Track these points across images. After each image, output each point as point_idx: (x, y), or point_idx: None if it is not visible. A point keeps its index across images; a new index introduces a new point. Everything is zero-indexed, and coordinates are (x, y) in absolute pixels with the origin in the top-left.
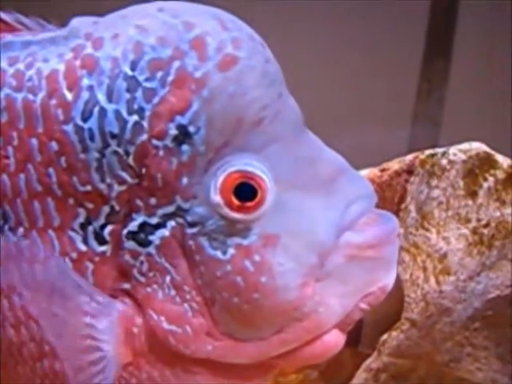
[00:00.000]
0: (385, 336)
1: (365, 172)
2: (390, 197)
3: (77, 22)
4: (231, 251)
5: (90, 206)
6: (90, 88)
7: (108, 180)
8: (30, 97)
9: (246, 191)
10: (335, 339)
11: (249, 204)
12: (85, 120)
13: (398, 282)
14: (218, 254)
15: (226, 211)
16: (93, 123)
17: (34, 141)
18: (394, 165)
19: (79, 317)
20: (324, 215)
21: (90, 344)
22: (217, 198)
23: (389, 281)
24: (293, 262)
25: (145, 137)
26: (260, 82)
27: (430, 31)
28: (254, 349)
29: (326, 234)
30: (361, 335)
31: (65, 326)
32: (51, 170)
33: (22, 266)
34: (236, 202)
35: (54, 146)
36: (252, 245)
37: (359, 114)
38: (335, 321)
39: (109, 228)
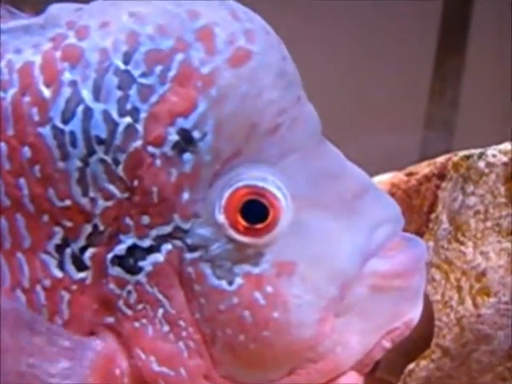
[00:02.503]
0: (412, 365)
1: (388, 176)
2: (418, 205)
3: (55, 9)
4: (239, 281)
5: (69, 224)
6: (73, 83)
7: (91, 194)
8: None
9: (255, 210)
10: (352, 382)
11: (258, 226)
12: (66, 122)
13: (428, 302)
14: (223, 283)
15: (232, 233)
16: (75, 126)
17: (3, 145)
18: (423, 168)
19: (24, 357)
20: (347, 239)
21: None
22: (221, 217)
23: (415, 314)
24: (311, 295)
25: (139, 143)
26: (276, 81)
27: (442, 28)
28: None
29: (350, 262)
30: (379, 358)
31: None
32: (22, 181)
33: None
34: (243, 222)
35: (27, 152)
36: (264, 274)
37: (368, 117)
38: (353, 362)
39: (90, 251)
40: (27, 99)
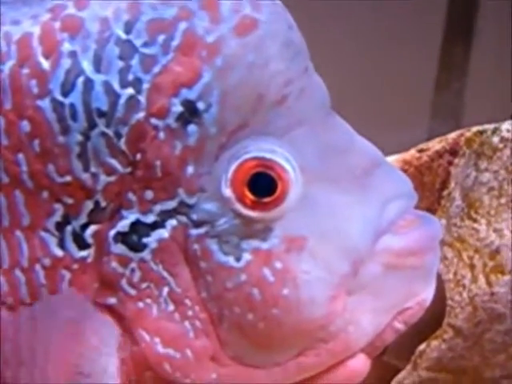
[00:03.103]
0: (422, 346)
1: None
2: (429, 182)
3: None
4: (247, 257)
5: (70, 201)
6: (73, 54)
7: (93, 169)
8: None
9: (263, 183)
10: (361, 365)
11: (266, 199)
12: (65, 94)
13: (439, 281)
14: (230, 260)
15: (239, 208)
16: (75, 98)
17: (0, 120)
18: (435, 144)
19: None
20: (359, 214)
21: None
22: (228, 191)
23: (428, 294)
24: (322, 271)
25: (141, 115)
26: (283, 51)
27: (449, 18)
28: (267, 376)
29: (362, 237)
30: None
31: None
32: (21, 157)
33: None
34: (250, 196)
35: (26, 125)
36: (273, 249)
37: (373, 109)
38: (365, 343)
39: (92, 228)
40: (26, 71)
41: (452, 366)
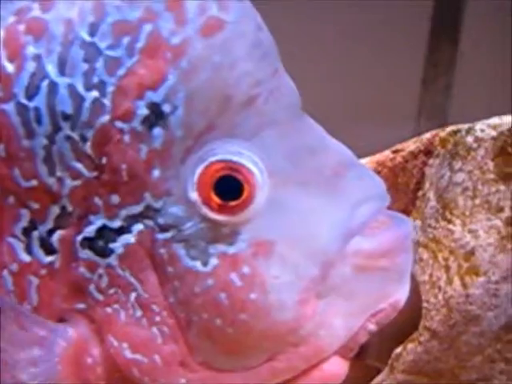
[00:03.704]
0: (399, 349)
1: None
2: (404, 183)
3: None
4: (214, 261)
5: (36, 205)
6: (37, 58)
7: (58, 173)
8: None
9: (229, 187)
10: (336, 368)
11: (233, 203)
12: (30, 97)
13: (415, 283)
14: (197, 264)
15: (205, 211)
16: (40, 101)
17: None
18: (410, 145)
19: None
20: (328, 217)
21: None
22: (194, 194)
23: (401, 295)
24: (290, 275)
25: (106, 118)
26: (251, 52)
27: (436, 13)
28: (237, 381)
29: (331, 240)
30: (368, 344)
31: None
32: None
33: None
34: (216, 199)
35: None
36: (240, 253)
37: (360, 106)
38: (337, 346)
39: (59, 233)
40: None
41: (428, 368)
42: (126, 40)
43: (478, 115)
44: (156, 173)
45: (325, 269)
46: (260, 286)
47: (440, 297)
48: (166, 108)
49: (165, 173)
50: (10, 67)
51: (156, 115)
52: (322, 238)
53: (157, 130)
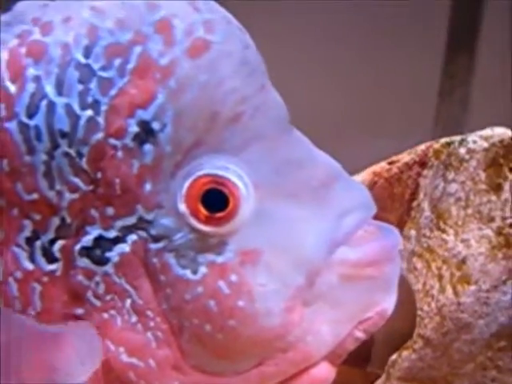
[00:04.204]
0: (394, 356)
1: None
2: (399, 193)
3: (22, 6)
4: (203, 270)
5: (37, 217)
6: (37, 79)
7: (58, 187)
8: None
9: (215, 199)
10: (324, 373)
11: (219, 215)
12: (30, 116)
13: (410, 292)
14: (188, 273)
15: (193, 223)
16: (40, 120)
17: None
18: (405, 156)
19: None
20: (314, 227)
21: None
22: (182, 206)
23: (389, 304)
24: (276, 283)
25: (100, 135)
26: (238, 70)
27: (452, 25)
28: None
29: (317, 250)
30: (371, 353)
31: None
32: None
33: None
34: (204, 211)
35: None
36: (228, 262)
37: (376, 117)
38: (325, 352)
39: (59, 243)
40: None
41: (422, 375)
42: (117, 61)
43: (494, 127)
44: (147, 186)
45: (311, 277)
46: (247, 294)
47: (433, 305)
48: (156, 125)
49: (156, 186)
50: (12, 88)
51: (146, 132)
52: (308, 248)
53: (147, 147)
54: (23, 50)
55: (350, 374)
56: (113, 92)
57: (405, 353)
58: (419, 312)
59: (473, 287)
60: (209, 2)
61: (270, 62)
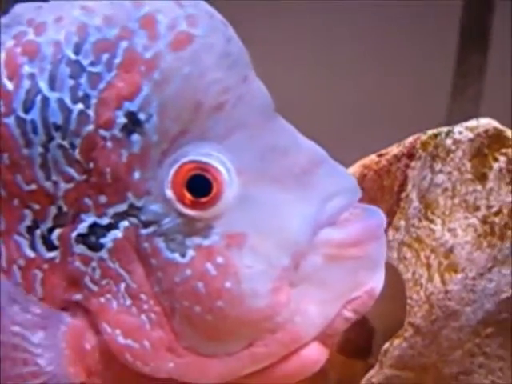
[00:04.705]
0: (386, 345)
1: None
2: (388, 185)
3: (19, 9)
4: (191, 253)
5: (37, 206)
6: (32, 76)
7: (54, 177)
8: None
9: (199, 184)
10: (315, 354)
11: (203, 199)
12: (27, 111)
13: (401, 282)
14: (177, 256)
15: (179, 207)
16: (35, 114)
17: None
18: (393, 149)
19: (9, 326)
20: (298, 210)
21: (23, 356)
22: (169, 192)
23: (376, 283)
24: (262, 264)
25: (91, 127)
26: (220, 62)
27: (464, 23)
28: (221, 366)
29: (301, 232)
30: (371, 345)
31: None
32: None
33: None
34: (189, 196)
35: None
36: (214, 245)
37: (389, 116)
38: (314, 332)
39: (57, 231)
40: None
41: (413, 363)
42: (105, 57)
43: (508, 125)
44: (136, 174)
45: (296, 258)
46: (234, 275)
47: (422, 293)
48: (142, 116)
49: (144, 174)
50: (9, 85)
51: (133, 123)
52: (292, 230)
53: (135, 136)
54: (19, 50)
55: (351, 366)
56: (101, 86)
57: (396, 341)
58: (409, 301)
59: (460, 275)
60: None
61: (283, 60)
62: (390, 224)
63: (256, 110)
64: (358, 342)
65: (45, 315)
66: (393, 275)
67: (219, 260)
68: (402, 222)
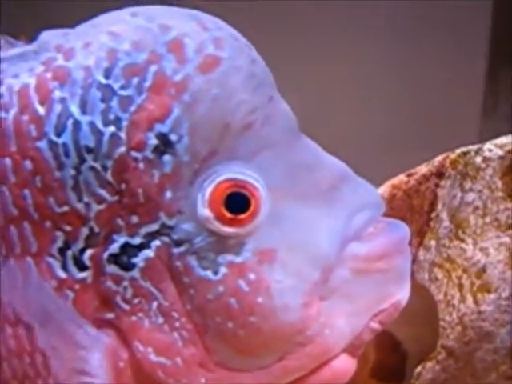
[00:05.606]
0: (419, 368)
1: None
2: (418, 205)
3: (46, 36)
4: (223, 270)
5: (68, 228)
6: (63, 100)
7: (86, 199)
8: (2, 114)
9: (238, 202)
10: (345, 365)
11: (242, 216)
12: (59, 135)
13: (433, 303)
14: (209, 274)
15: (218, 226)
16: (67, 137)
17: (8, 161)
18: (422, 168)
19: (74, 350)
20: (325, 225)
21: (84, 381)
22: (206, 211)
23: (402, 295)
24: (293, 279)
25: (123, 149)
26: (246, 83)
27: (493, 42)
28: (252, 380)
29: (329, 246)
30: (405, 369)
31: (60, 360)
32: (26, 192)
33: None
34: (228, 214)
35: (28, 164)
36: (246, 262)
37: (421, 135)
38: (343, 344)
39: (89, 252)
40: (25, 117)
41: None
42: (135, 80)
43: None
44: (168, 194)
45: (325, 273)
46: (265, 291)
47: (454, 315)
48: (173, 137)
49: (176, 194)
50: (41, 110)
51: (165, 144)
52: (320, 245)
53: (166, 157)
54: (49, 75)
55: None
56: (132, 108)
57: (429, 364)
58: (441, 323)
59: (493, 295)
60: (216, 21)
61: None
62: (420, 244)
63: (281, 129)
64: (390, 365)
65: (94, 335)
66: (425, 297)
67: (251, 276)
68: (433, 242)
